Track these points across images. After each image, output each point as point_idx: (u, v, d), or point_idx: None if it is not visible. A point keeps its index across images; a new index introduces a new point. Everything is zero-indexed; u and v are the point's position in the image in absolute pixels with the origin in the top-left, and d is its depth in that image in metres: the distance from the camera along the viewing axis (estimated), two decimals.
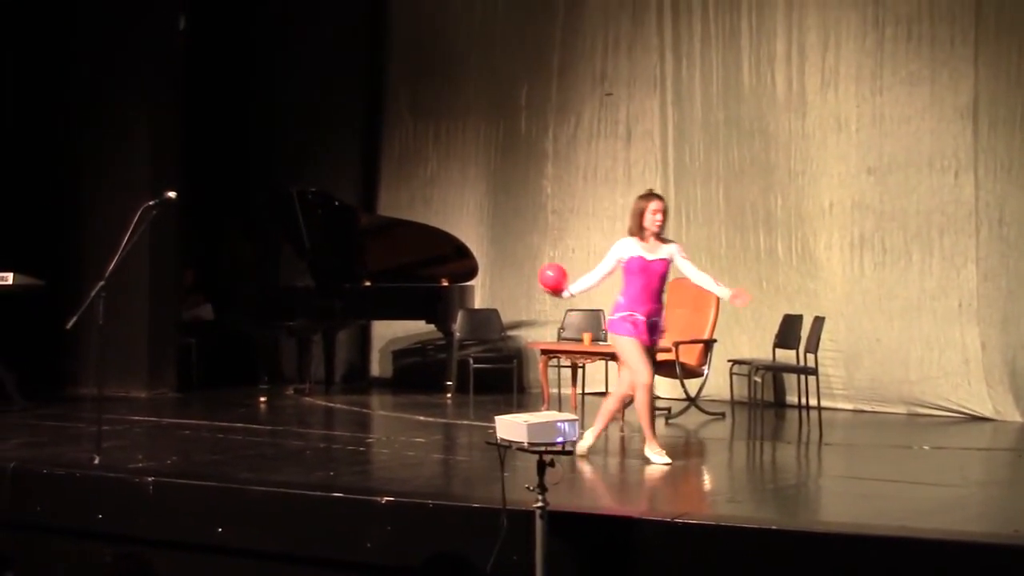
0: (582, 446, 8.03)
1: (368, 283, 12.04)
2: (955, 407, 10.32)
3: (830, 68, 11.13)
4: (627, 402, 8.62)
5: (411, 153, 13.65)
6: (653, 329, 8.14)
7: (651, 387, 8.17)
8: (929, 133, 10.57)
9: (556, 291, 8.26)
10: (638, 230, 8.13)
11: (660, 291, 8.18)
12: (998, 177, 10.24)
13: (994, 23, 10.27)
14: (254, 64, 13.52)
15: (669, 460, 8.02)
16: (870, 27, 10.90)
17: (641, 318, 8.05)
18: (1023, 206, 10.13)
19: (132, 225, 7.82)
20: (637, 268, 8.08)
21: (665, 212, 8.14)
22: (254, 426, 9.85)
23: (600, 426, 8.35)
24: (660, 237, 8.15)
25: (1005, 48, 10.20)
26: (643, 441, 8.19)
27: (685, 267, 8.25)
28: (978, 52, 10.33)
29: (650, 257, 8.08)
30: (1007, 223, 10.20)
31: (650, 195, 8.24)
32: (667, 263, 8.14)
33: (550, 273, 8.29)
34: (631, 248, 8.11)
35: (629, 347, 8.06)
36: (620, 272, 8.19)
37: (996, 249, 10.24)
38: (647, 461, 8.04)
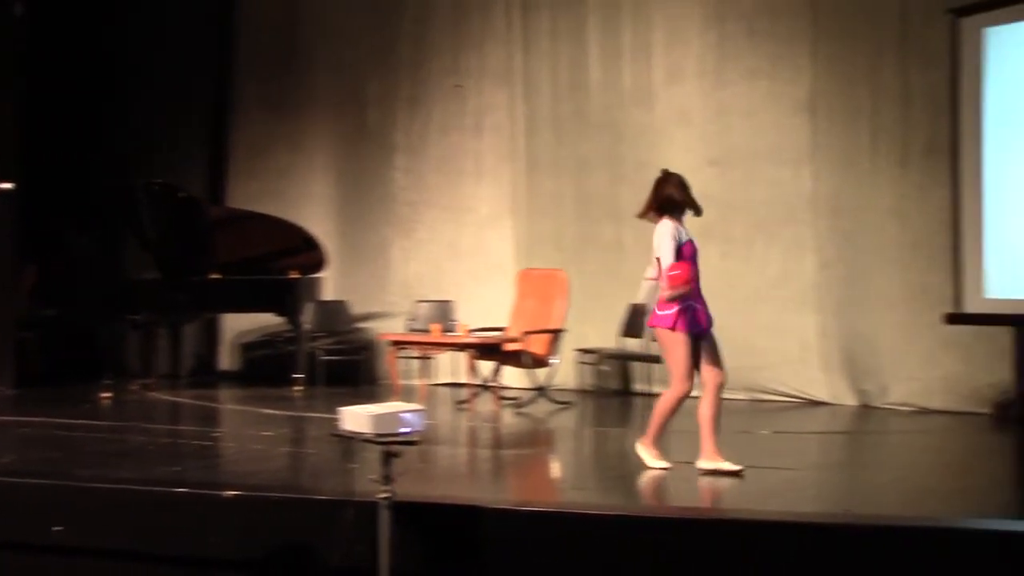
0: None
1: (216, 276, 11.87)
2: (794, 392, 10.62)
3: (675, 63, 11.34)
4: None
5: (260, 145, 13.51)
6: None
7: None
8: (770, 126, 10.84)
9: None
10: (680, 210, 7.33)
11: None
12: (835, 169, 10.54)
13: (830, 20, 10.56)
14: (99, 55, 13.20)
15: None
16: (712, 22, 11.14)
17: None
18: (859, 197, 10.43)
19: None
20: (691, 253, 7.21)
21: None
22: (96, 422, 9.63)
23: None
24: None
25: (840, 44, 10.50)
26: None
27: None
28: (815, 48, 10.62)
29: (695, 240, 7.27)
30: (844, 214, 10.51)
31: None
32: None
33: (678, 272, 7.13)
34: (680, 231, 7.25)
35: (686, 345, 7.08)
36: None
37: (833, 239, 10.54)
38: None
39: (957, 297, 8.70)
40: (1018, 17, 8.32)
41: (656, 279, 7.20)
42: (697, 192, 10.93)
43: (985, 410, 9.73)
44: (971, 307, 8.61)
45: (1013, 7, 8.43)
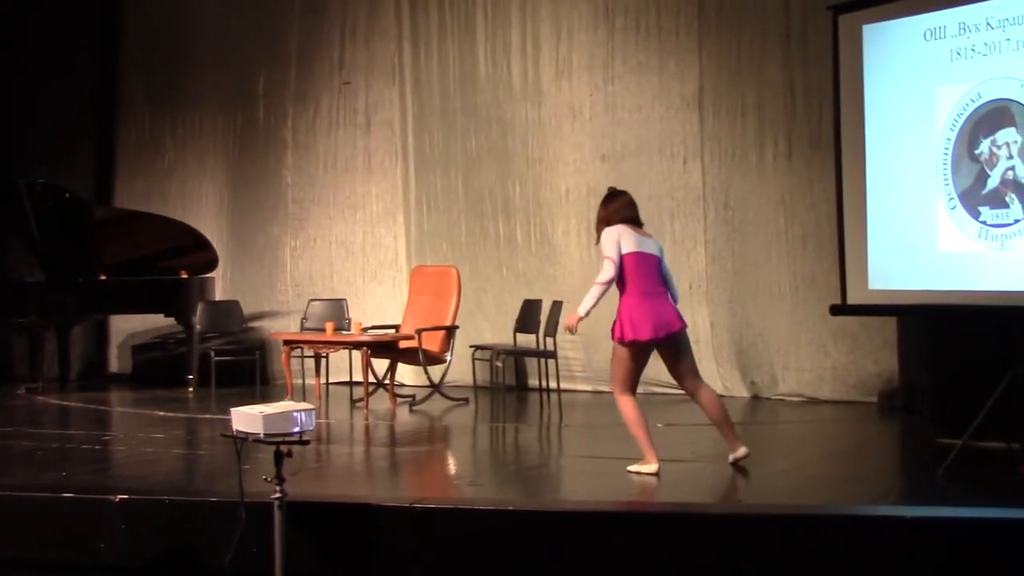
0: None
1: (103, 277, 11.69)
2: None
3: (563, 58, 11.41)
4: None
5: (147, 144, 13.34)
6: None
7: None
8: (659, 121, 10.95)
9: None
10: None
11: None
12: (723, 163, 10.68)
13: (716, 15, 10.70)
14: None
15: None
16: (601, 18, 11.22)
17: None
18: (746, 190, 10.58)
19: None
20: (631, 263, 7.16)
21: None
22: None
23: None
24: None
25: (726, 40, 10.64)
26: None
27: None
28: (702, 43, 10.75)
29: None
30: (732, 207, 10.65)
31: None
32: None
33: None
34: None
35: None
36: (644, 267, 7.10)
37: (722, 232, 10.68)
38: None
39: (843, 288, 8.85)
40: (894, 14, 8.50)
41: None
42: (588, 187, 11.16)
43: (871, 399, 9.93)
44: (856, 298, 8.76)
45: (889, 5, 8.59)
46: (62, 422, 10.40)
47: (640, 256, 7.05)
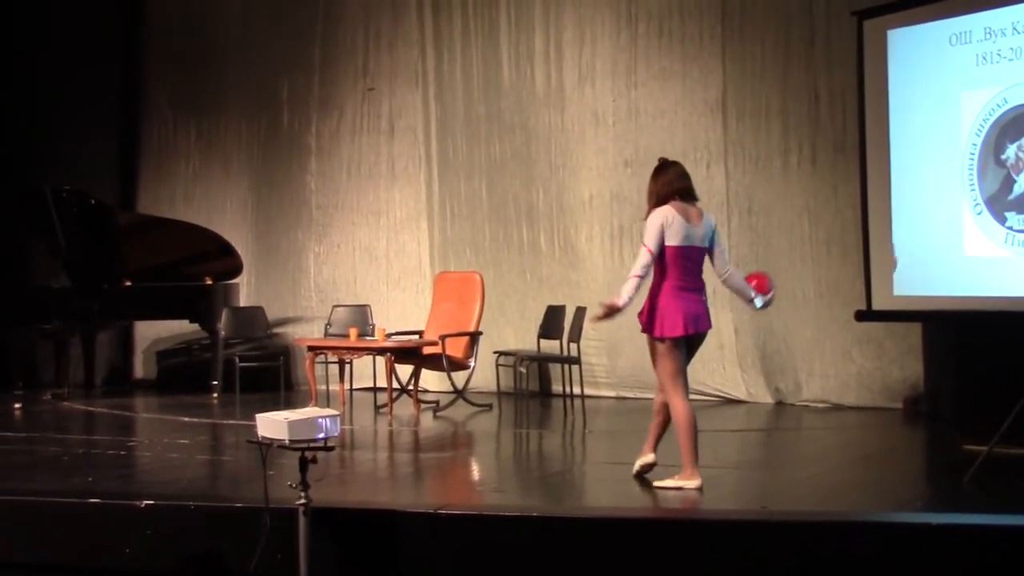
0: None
1: (128, 283, 11.72)
2: (712, 391, 10.70)
3: (587, 63, 11.40)
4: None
5: (171, 149, 13.38)
6: None
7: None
8: (682, 126, 10.92)
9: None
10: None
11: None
12: (746, 168, 10.65)
13: (739, 20, 10.67)
14: (5, 55, 12.96)
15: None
16: (623, 24, 11.21)
17: None
18: (770, 196, 10.55)
19: None
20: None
21: None
22: (7, 434, 9.46)
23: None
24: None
25: (749, 44, 10.61)
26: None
27: None
28: (725, 48, 10.73)
29: None
30: (756, 212, 10.62)
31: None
32: None
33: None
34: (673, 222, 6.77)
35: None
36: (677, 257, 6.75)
37: (746, 238, 10.65)
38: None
39: (868, 294, 8.83)
40: (919, 19, 8.48)
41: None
42: (611, 193, 11.15)
43: (897, 405, 9.89)
44: (881, 304, 8.74)
45: (914, 10, 8.59)
46: (88, 428, 10.43)
47: (684, 251, 6.63)
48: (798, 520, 5.88)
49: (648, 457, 6.98)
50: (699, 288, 6.80)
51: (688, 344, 6.81)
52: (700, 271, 6.80)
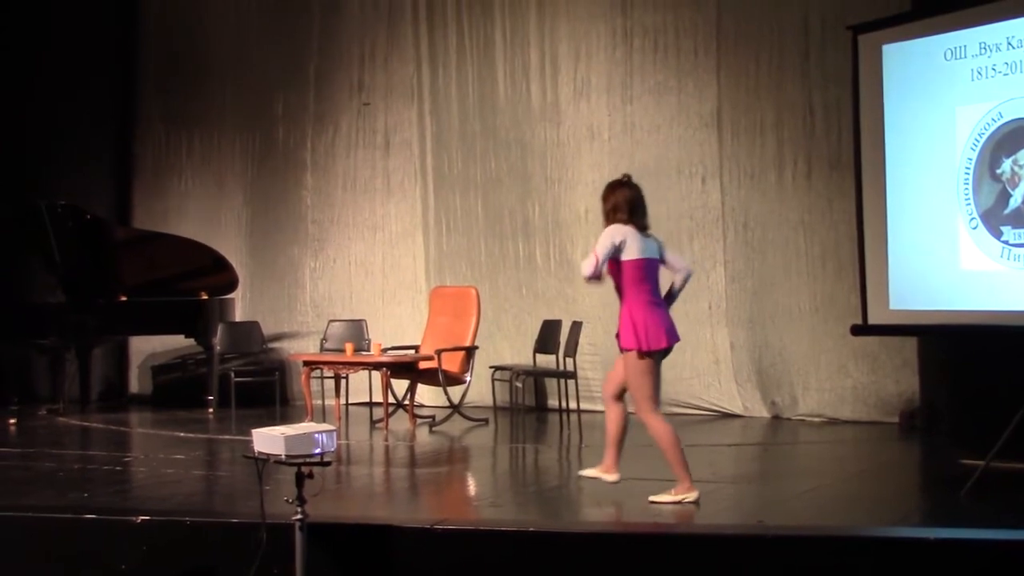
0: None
1: (123, 298, 11.71)
2: (707, 405, 10.71)
3: (582, 78, 11.42)
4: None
5: (165, 164, 13.36)
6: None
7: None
8: (677, 141, 10.94)
9: None
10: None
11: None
12: (742, 183, 10.67)
13: (733, 35, 10.70)
14: (0, 72, 12.96)
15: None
16: (619, 39, 11.23)
17: None
18: (765, 210, 10.57)
19: None
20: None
21: None
22: (3, 449, 9.46)
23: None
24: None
25: (744, 59, 10.64)
26: None
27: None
28: (720, 63, 10.76)
29: None
30: (751, 227, 10.64)
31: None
32: None
33: None
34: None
35: None
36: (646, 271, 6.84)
37: (741, 252, 10.66)
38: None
39: (864, 308, 8.83)
40: (914, 34, 8.51)
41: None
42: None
43: (893, 419, 9.89)
44: (877, 318, 8.74)
45: (908, 25, 8.62)
46: (83, 443, 10.41)
47: (648, 263, 6.74)
48: (795, 535, 5.87)
49: (613, 476, 6.97)
50: (663, 302, 6.90)
51: (660, 357, 6.83)
52: (658, 285, 6.88)
